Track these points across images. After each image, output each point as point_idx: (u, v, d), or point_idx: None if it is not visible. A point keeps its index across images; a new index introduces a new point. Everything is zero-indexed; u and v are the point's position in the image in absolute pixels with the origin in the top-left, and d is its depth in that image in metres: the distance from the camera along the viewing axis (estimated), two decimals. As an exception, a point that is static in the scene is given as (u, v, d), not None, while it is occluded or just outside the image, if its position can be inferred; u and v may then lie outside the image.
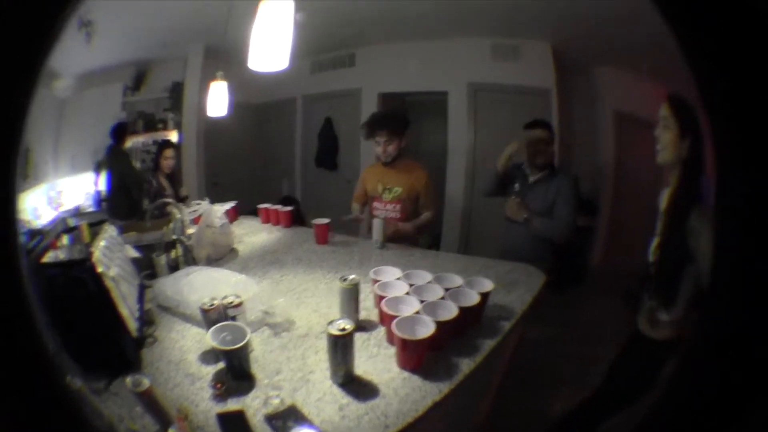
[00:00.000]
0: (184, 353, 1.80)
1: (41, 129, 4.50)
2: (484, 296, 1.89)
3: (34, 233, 3.88)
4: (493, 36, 3.85)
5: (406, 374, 1.59)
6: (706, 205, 1.76)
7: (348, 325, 1.53)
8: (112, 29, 4.30)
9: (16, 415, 0.97)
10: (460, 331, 1.80)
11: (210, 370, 1.65)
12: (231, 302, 1.85)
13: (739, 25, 0.80)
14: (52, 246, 1.97)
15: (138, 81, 5.73)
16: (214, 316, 1.81)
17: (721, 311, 0.90)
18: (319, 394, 1.52)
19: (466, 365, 1.65)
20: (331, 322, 1.55)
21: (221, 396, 1.52)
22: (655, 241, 2.05)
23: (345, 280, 1.89)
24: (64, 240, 2.35)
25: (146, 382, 1.39)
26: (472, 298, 1.86)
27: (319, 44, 4.27)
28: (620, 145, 3.06)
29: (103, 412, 1.48)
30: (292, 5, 2.00)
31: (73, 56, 4.42)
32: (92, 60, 4.83)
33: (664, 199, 2.06)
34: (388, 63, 4.78)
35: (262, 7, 2.01)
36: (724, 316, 0.88)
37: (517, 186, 2.97)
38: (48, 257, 1.77)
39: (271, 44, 2.03)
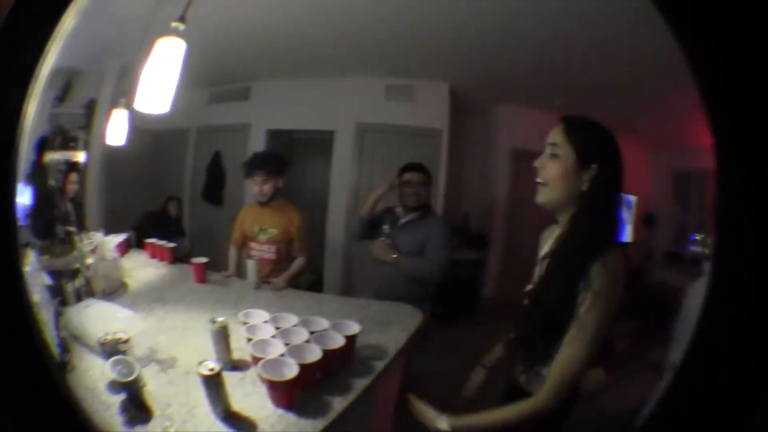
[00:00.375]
0: (95, 381, 1.81)
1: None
2: (350, 339, 1.94)
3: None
4: (390, 76, 3.92)
5: (281, 411, 1.66)
6: (616, 252, 1.56)
7: (215, 365, 1.61)
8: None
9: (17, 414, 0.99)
10: (331, 371, 1.87)
11: (117, 399, 1.70)
12: (120, 338, 1.91)
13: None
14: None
15: (64, 91, 5.50)
16: (109, 349, 1.86)
17: (723, 318, 0.91)
18: (205, 426, 1.61)
19: (339, 404, 1.73)
20: (200, 363, 1.63)
21: (130, 423, 1.61)
22: (529, 288, 1.79)
23: (214, 322, 1.92)
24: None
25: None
26: (338, 341, 1.90)
27: (218, 75, 4.24)
28: (515, 180, 3.07)
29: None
30: (183, 46, 2.08)
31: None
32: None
33: (548, 240, 1.85)
34: (280, 99, 4.80)
35: (157, 46, 2.12)
36: (727, 322, 0.90)
37: (386, 228, 3.02)
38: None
39: (158, 86, 2.19)
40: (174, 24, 2.12)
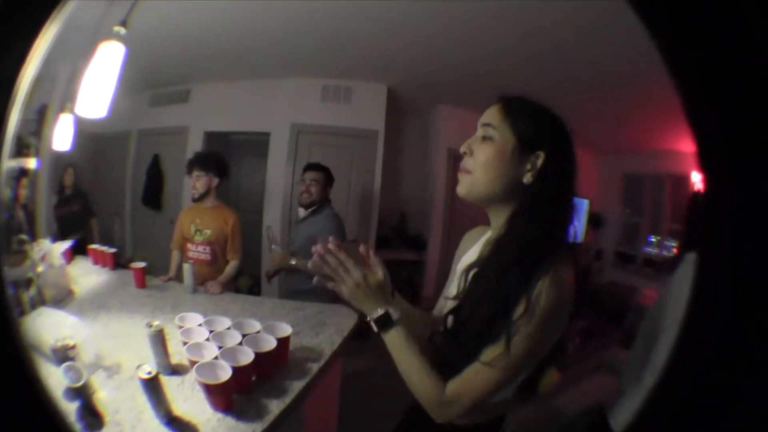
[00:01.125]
0: (53, 390, 1.75)
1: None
2: (282, 340, 1.95)
3: None
4: (327, 77, 3.95)
5: (220, 415, 1.64)
6: (567, 264, 1.20)
7: (153, 369, 1.58)
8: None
9: None
10: (267, 373, 1.87)
11: (74, 407, 1.65)
12: (68, 344, 1.88)
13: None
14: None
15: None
16: (61, 355, 1.83)
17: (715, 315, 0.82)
18: (152, 431, 1.58)
19: (276, 406, 1.71)
20: (138, 367, 1.60)
21: (88, 429, 1.58)
22: (450, 306, 1.39)
23: (150, 326, 1.90)
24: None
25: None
26: (270, 343, 1.89)
27: (159, 78, 4.22)
28: (453, 181, 3.10)
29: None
30: (123, 50, 2.01)
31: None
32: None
33: (472, 244, 1.53)
34: (219, 101, 4.80)
35: (99, 50, 2.02)
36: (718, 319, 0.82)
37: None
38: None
39: (98, 90, 2.07)
40: (116, 28, 2.05)
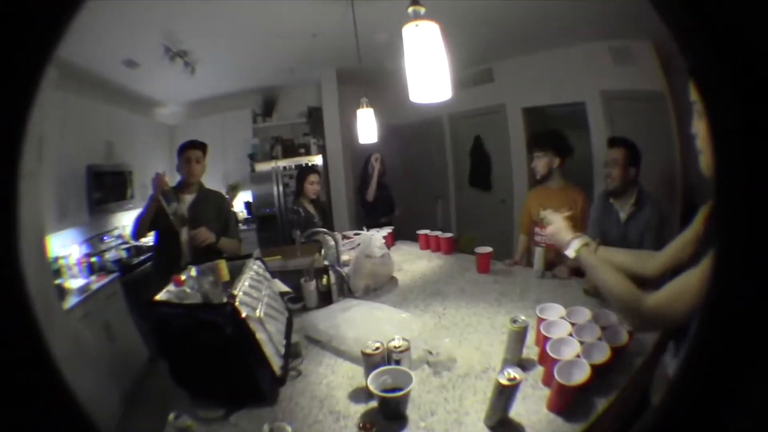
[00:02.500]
0: (332, 389, 1.84)
1: (145, 153, 5.30)
2: (630, 333, 1.86)
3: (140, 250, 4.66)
4: (609, 38, 3.93)
5: (552, 416, 1.56)
6: None
7: (517, 374, 1.50)
8: (221, 59, 4.95)
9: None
10: (608, 369, 1.71)
11: (359, 409, 1.68)
12: (397, 346, 1.86)
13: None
14: (176, 281, 2.08)
15: (268, 107, 6.26)
16: (377, 359, 1.81)
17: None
18: None
19: (601, 404, 1.60)
20: (501, 371, 1.53)
21: None
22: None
23: (515, 322, 1.85)
24: (192, 272, 2.29)
25: (288, 430, 1.52)
26: (623, 337, 1.83)
27: (457, 60, 4.42)
28: None
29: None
30: (436, 28, 1.92)
31: (175, 86, 5.15)
32: (201, 89, 5.62)
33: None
34: (523, 76, 4.84)
35: (406, 33, 1.92)
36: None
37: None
38: (165, 294, 1.97)
39: (427, 73, 1.95)
40: (412, 8, 1.90)
